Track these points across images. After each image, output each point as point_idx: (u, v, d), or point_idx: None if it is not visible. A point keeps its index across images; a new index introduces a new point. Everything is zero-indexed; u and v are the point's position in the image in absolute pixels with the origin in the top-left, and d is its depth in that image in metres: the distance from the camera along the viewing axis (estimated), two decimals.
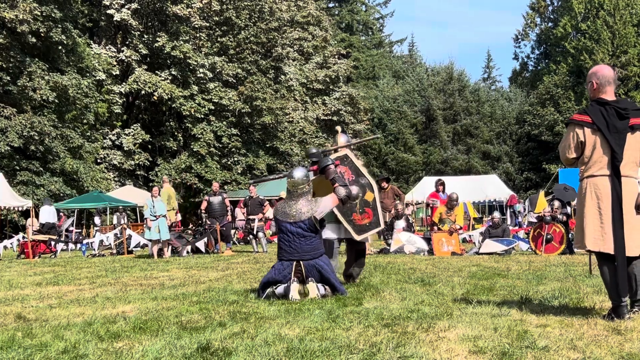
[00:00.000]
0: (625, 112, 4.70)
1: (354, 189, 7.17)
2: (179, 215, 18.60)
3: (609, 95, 4.82)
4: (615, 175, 4.67)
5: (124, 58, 32.84)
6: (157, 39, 32.48)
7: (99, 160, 32.09)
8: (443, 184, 16.42)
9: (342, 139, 8.00)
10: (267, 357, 3.74)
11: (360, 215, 7.39)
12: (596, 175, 4.74)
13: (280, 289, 6.38)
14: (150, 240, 15.21)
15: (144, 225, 16.17)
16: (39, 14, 25.78)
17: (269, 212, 18.31)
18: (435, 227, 14.25)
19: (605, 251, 4.68)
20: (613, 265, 4.66)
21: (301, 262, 6.46)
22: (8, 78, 26.11)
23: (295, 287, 6.33)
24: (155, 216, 15.05)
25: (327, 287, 6.48)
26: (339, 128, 8.40)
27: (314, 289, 6.33)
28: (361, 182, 7.42)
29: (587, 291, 6.37)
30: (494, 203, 30.32)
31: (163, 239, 15.12)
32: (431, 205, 16.11)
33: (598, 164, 4.73)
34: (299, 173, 6.71)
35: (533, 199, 19.03)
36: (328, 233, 7.30)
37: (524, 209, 28.15)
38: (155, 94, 31.95)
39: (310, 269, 6.45)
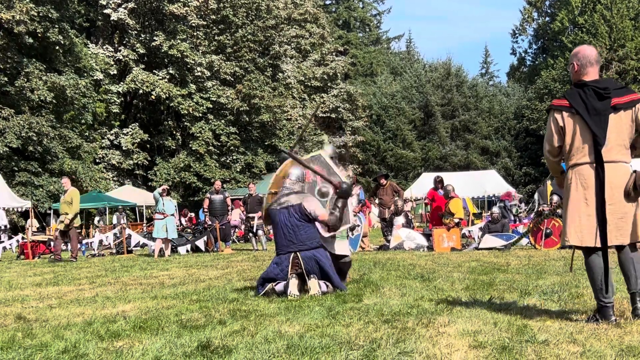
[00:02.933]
0: (606, 91, 4.36)
1: (325, 188, 7.22)
2: (76, 221, 15.16)
3: (592, 76, 4.48)
4: (598, 162, 4.32)
5: (121, 57, 32.84)
6: (154, 38, 32.48)
7: (97, 160, 32.10)
8: (442, 180, 16.42)
9: (328, 150, 8.02)
10: (267, 355, 3.74)
11: None
12: (580, 164, 4.41)
13: (280, 286, 6.37)
14: (156, 239, 15.23)
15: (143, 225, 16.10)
16: (35, 14, 25.75)
17: None
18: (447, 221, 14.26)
19: (590, 245, 4.35)
20: (601, 261, 4.35)
21: (298, 253, 6.46)
22: (5, 79, 26.11)
23: (294, 283, 6.33)
24: (163, 214, 15.10)
25: (328, 283, 6.48)
26: (325, 137, 8.41)
27: (316, 285, 6.33)
28: (332, 180, 7.35)
29: (586, 285, 6.37)
30: (493, 198, 30.37)
31: (170, 237, 15.21)
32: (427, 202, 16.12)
33: (580, 150, 4.40)
34: (296, 171, 6.86)
35: (542, 191, 18.91)
36: None
37: (519, 205, 28.09)
38: (153, 93, 31.96)
39: (309, 260, 6.43)
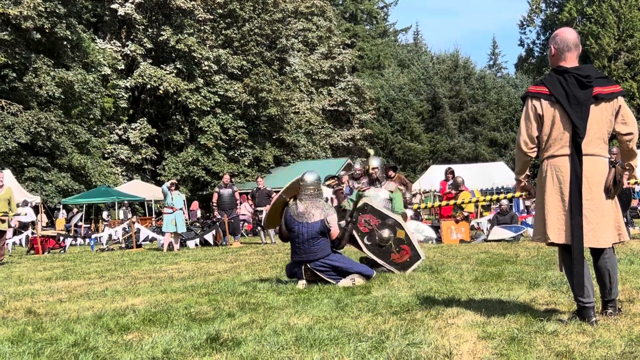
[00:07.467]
0: (588, 80, 4.06)
1: (385, 232, 7.40)
2: (15, 221, 13.81)
3: (570, 62, 4.20)
4: (577, 154, 4.08)
5: (128, 52, 32.91)
6: (162, 32, 32.53)
7: (106, 155, 32.23)
8: (452, 172, 16.40)
9: (374, 162, 8.45)
10: (276, 347, 3.75)
11: (398, 254, 7.46)
12: (557, 156, 4.17)
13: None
14: (165, 233, 15.30)
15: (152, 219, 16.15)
16: (43, 10, 25.84)
17: None
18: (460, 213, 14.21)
19: (568, 243, 4.09)
20: (581, 261, 4.07)
21: (308, 264, 6.63)
22: (14, 75, 26.22)
23: (302, 283, 6.57)
24: (172, 208, 15.17)
25: (355, 278, 6.60)
26: (371, 151, 8.56)
27: (346, 282, 6.52)
28: (388, 223, 7.49)
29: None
30: (501, 190, 30.27)
31: (179, 231, 15.27)
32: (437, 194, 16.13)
33: (558, 142, 4.15)
34: (311, 177, 6.92)
35: None
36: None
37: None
38: (161, 87, 32.01)
39: (321, 267, 6.62)
